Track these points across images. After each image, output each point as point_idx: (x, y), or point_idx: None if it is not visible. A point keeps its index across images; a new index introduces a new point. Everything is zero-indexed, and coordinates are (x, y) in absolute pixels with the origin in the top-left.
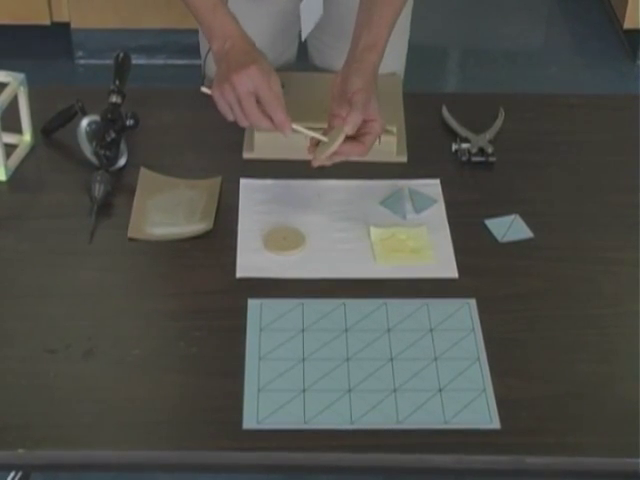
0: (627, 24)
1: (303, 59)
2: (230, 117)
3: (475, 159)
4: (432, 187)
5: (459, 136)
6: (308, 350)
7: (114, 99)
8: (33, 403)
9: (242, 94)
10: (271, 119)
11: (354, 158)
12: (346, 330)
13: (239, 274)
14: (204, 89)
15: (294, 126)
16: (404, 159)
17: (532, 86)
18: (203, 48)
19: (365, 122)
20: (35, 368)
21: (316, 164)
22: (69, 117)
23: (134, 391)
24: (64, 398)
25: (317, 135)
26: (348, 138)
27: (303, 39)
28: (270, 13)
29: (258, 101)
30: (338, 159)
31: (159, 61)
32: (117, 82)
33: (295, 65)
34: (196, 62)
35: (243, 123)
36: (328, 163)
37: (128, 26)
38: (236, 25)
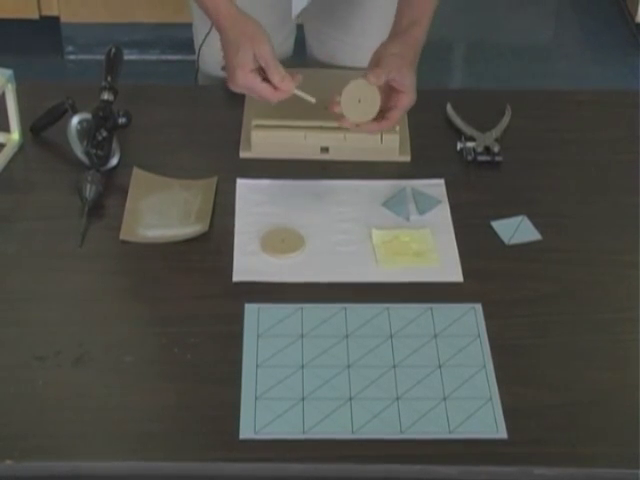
0: (639, 17)
1: (301, 53)
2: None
3: (481, 158)
4: (436, 187)
5: (464, 134)
6: (307, 357)
7: (106, 96)
8: (21, 412)
9: (244, 91)
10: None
11: (355, 157)
12: (347, 336)
13: (236, 278)
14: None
15: (296, 91)
16: (407, 158)
17: (540, 82)
18: (197, 41)
19: (394, 93)
20: (23, 376)
21: (347, 124)
22: (59, 115)
23: (126, 399)
24: (54, 407)
25: (309, 97)
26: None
27: (293, 17)
28: (267, 4)
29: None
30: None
31: (152, 56)
32: (109, 78)
33: (292, 59)
34: (191, 57)
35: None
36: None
37: (120, 20)
38: (227, 4)
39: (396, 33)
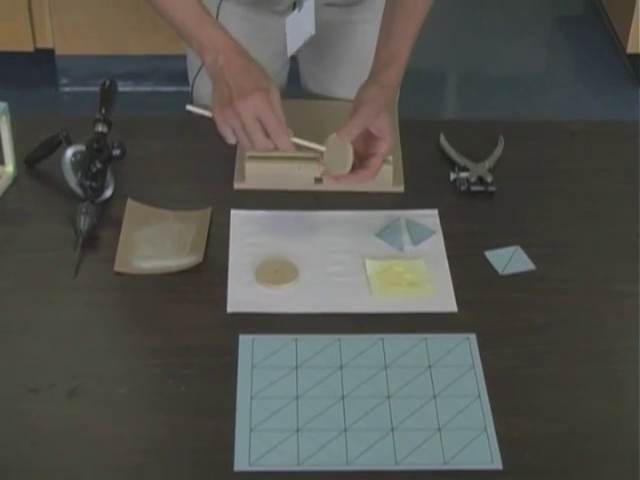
0: (630, 48)
1: (295, 84)
2: (232, 140)
3: (474, 188)
4: (430, 218)
5: (457, 165)
6: (302, 388)
7: (100, 128)
8: (15, 445)
9: (247, 120)
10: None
11: (349, 188)
12: (341, 367)
13: (230, 309)
14: (190, 107)
15: (294, 140)
16: (401, 189)
17: (533, 112)
18: (191, 72)
19: (372, 139)
20: (17, 408)
21: (326, 175)
22: (53, 147)
23: (120, 432)
24: (47, 440)
25: (315, 146)
26: (353, 165)
27: (289, 55)
28: (261, 38)
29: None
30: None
31: (146, 88)
32: (103, 110)
33: (286, 90)
34: (184, 89)
35: (247, 146)
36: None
37: (114, 52)
38: (225, 36)
39: (373, 72)
